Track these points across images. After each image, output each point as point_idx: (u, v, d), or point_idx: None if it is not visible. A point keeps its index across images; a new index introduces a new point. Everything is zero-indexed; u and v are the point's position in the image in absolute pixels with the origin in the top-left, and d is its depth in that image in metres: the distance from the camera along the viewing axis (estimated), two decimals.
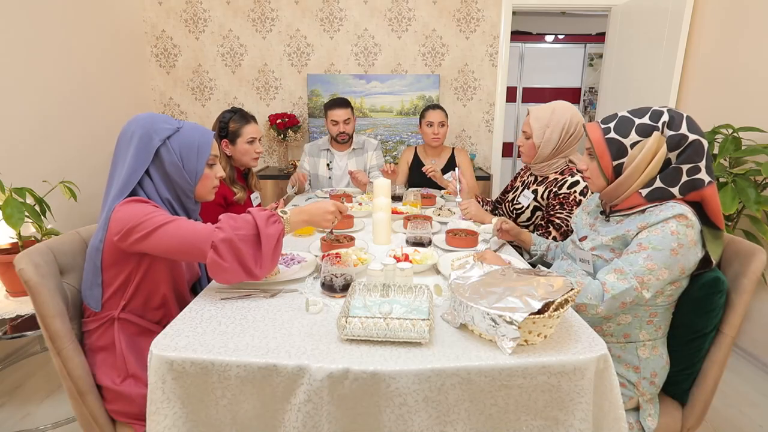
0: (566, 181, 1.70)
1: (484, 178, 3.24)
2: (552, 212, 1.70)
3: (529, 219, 1.82)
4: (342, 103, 2.53)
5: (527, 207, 1.81)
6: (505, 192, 2.05)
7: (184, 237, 1.04)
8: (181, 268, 1.25)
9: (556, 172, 1.75)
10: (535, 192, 1.79)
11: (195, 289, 1.39)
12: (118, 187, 1.09)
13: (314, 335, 0.94)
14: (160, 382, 0.86)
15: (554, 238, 1.66)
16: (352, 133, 2.62)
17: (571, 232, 1.42)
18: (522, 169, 2.00)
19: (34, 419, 1.78)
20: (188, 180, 1.18)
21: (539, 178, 1.82)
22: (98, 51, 2.75)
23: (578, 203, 1.65)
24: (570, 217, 1.65)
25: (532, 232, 1.73)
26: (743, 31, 2.34)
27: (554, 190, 1.72)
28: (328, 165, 2.63)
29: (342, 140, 2.57)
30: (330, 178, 2.64)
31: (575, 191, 1.67)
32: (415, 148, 2.73)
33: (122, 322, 1.14)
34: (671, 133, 1.06)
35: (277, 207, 1.81)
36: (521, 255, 1.62)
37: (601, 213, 1.25)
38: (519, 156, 1.88)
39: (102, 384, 1.11)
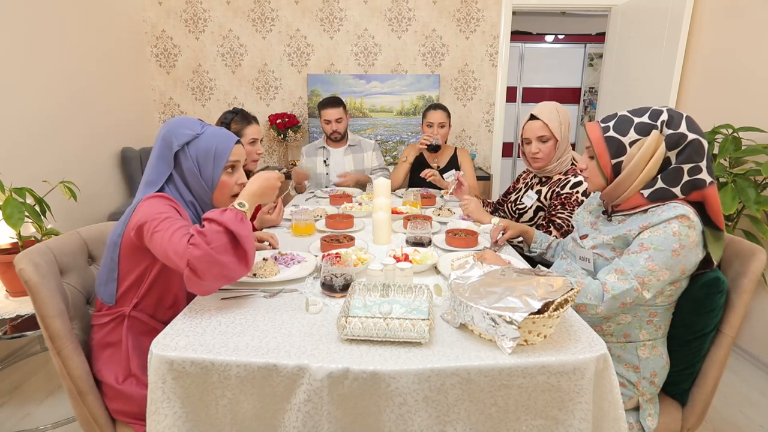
0: (569, 181, 1.70)
1: (484, 178, 3.24)
2: (553, 212, 1.70)
3: (531, 219, 1.82)
4: (334, 102, 2.58)
5: (530, 207, 1.81)
6: (507, 193, 2.05)
7: (166, 248, 1.00)
8: None
9: (560, 173, 1.76)
10: (538, 192, 1.80)
11: None
12: (144, 186, 1.14)
13: (314, 335, 0.94)
14: (160, 381, 0.86)
15: (554, 238, 1.66)
16: (345, 131, 2.68)
17: (572, 231, 1.42)
18: (524, 171, 2.01)
19: (34, 419, 1.78)
20: (205, 187, 1.18)
21: (543, 179, 1.82)
22: (98, 51, 2.76)
23: (580, 204, 1.65)
24: (571, 218, 1.65)
25: None
26: (743, 31, 2.34)
27: (557, 190, 1.72)
28: (325, 162, 2.67)
29: (335, 138, 2.65)
30: (327, 174, 2.69)
31: (577, 192, 1.67)
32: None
33: (132, 320, 1.14)
34: (670, 131, 1.06)
35: (276, 207, 1.81)
36: (521, 251, 1.62)
37: (603, 212, 1.25)
38: (526, 160, 1.88)
39: (104, 380, 1.11)
